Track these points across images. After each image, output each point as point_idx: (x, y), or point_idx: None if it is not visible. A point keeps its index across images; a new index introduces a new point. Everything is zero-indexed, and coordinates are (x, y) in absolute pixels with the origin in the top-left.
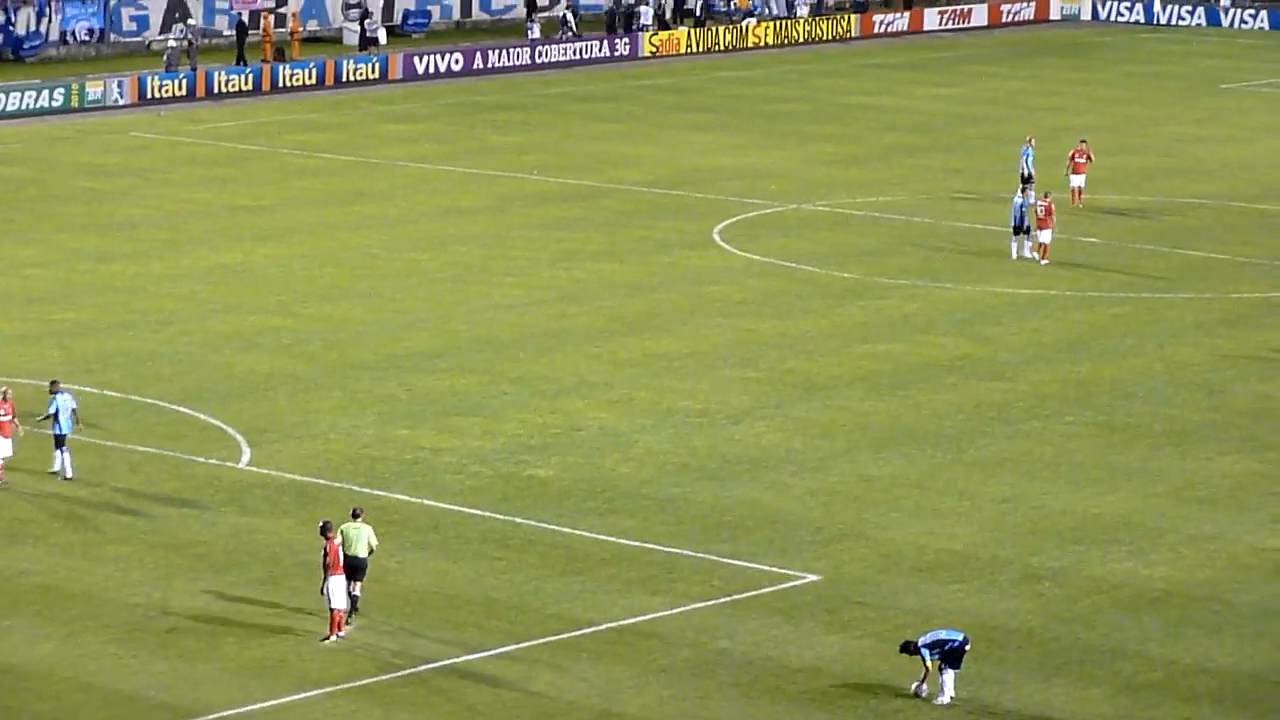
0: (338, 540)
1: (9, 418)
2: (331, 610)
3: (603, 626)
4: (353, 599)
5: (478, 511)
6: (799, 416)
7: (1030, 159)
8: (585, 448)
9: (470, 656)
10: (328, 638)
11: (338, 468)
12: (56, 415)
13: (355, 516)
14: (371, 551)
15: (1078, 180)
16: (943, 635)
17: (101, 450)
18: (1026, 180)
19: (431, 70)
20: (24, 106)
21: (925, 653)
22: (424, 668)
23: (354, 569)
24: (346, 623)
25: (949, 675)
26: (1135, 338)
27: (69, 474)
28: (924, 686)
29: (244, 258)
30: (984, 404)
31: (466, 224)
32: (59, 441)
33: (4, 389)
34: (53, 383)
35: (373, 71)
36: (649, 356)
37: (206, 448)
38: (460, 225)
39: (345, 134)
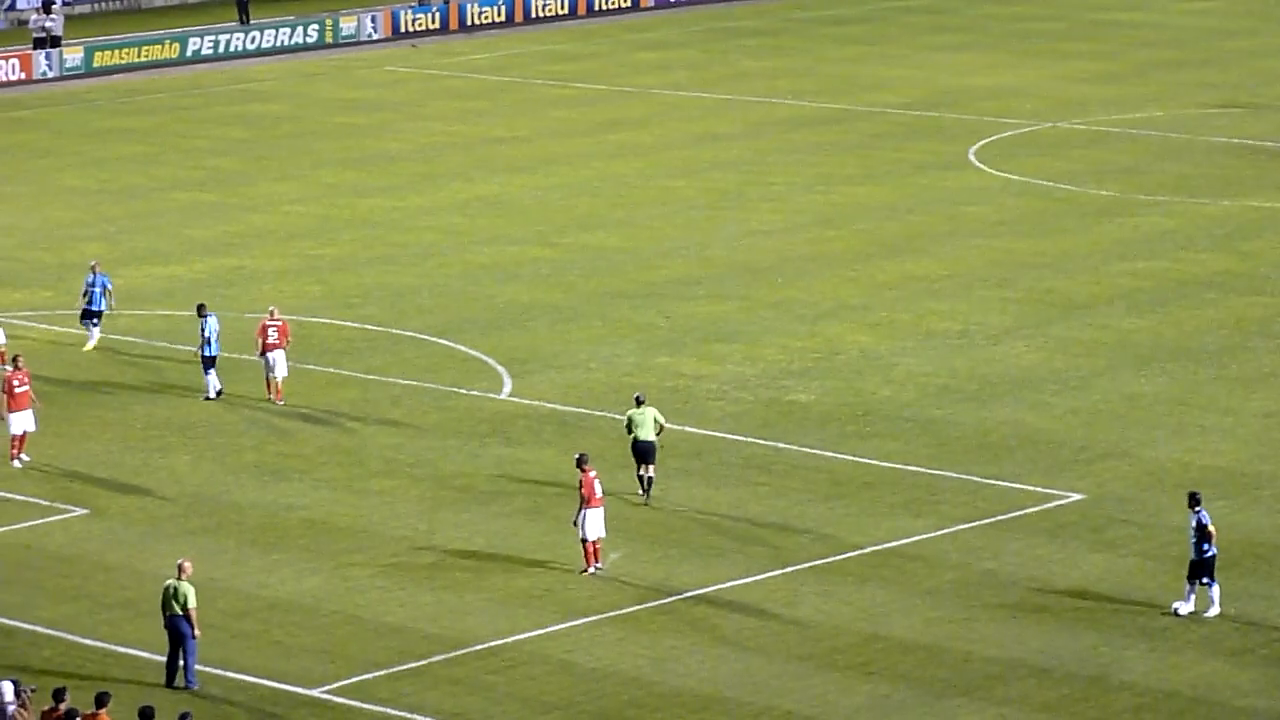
0: (593, 473)
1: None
2: (585, 542)
3: (867, 550)
4: (647, 480)
5: (739, 437)
6: (1059, 336)
7: None
8: (845, 371)
9: (734, 583)
10: (585, 570)
11: (599, 397)
12: (208, 339)
13: (639, 403)
14: (661, 430)
15: None
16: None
17: (363, 384)
18: None
19: None
20: (279, 43)
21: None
22: (688, 595)
23: (644, 452)
24: (644, 499)
25: (1215, 590)
26: None
27: (211, 393)
28: (1182, 605)
29: (500, 189)
30: (1245, 319)
31: (721, 150)
32: (209, 364)
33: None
34: (200, 306)
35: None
36: (907, 279)
37: (468, 379)
38: (715, 151)
39: (598, 63)
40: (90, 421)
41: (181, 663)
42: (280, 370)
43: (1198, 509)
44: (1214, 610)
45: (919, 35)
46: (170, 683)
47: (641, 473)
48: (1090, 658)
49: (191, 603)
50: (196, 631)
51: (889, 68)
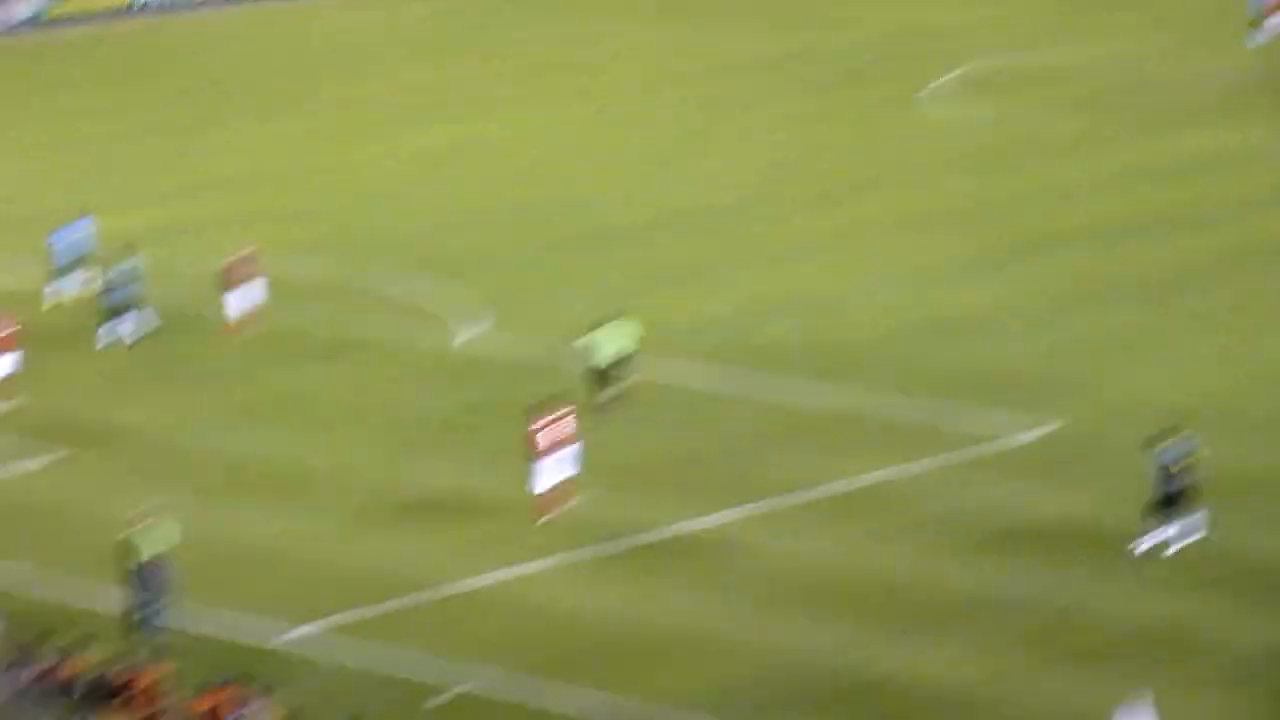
0: (543, 423)
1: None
2: (538, 492)
3: (832, 488)
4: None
5: (704, 379)
6: (1022, 273)
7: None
8: (806, 311)
9: (700, 523)
10: (541, 518)
11: (563, 342)
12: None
13: (603, 326)
14: (623, 354)
15: None
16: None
17: (327, 331)
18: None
19: None
20: None
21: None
22: (658, 535)
23: (606, 374)
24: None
25: (1183, 524)
26: None
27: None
28: (1143, 541)
29: (456, 136)
30: (1212, 253)
31: (679, 91)
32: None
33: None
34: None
35: None
36: (866, 218)
37: (426, 326)
38: (672, 93)
39: (549, 10)
40: (52, 370)
41: (148, 609)
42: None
43: (1162, 446)
44: (1182, 544)
45: None
46: (133, 628)
47: (609, 393)
48: (1057, 593)
49: (163, 547)
50: (167, 576)
51: (845, 7)
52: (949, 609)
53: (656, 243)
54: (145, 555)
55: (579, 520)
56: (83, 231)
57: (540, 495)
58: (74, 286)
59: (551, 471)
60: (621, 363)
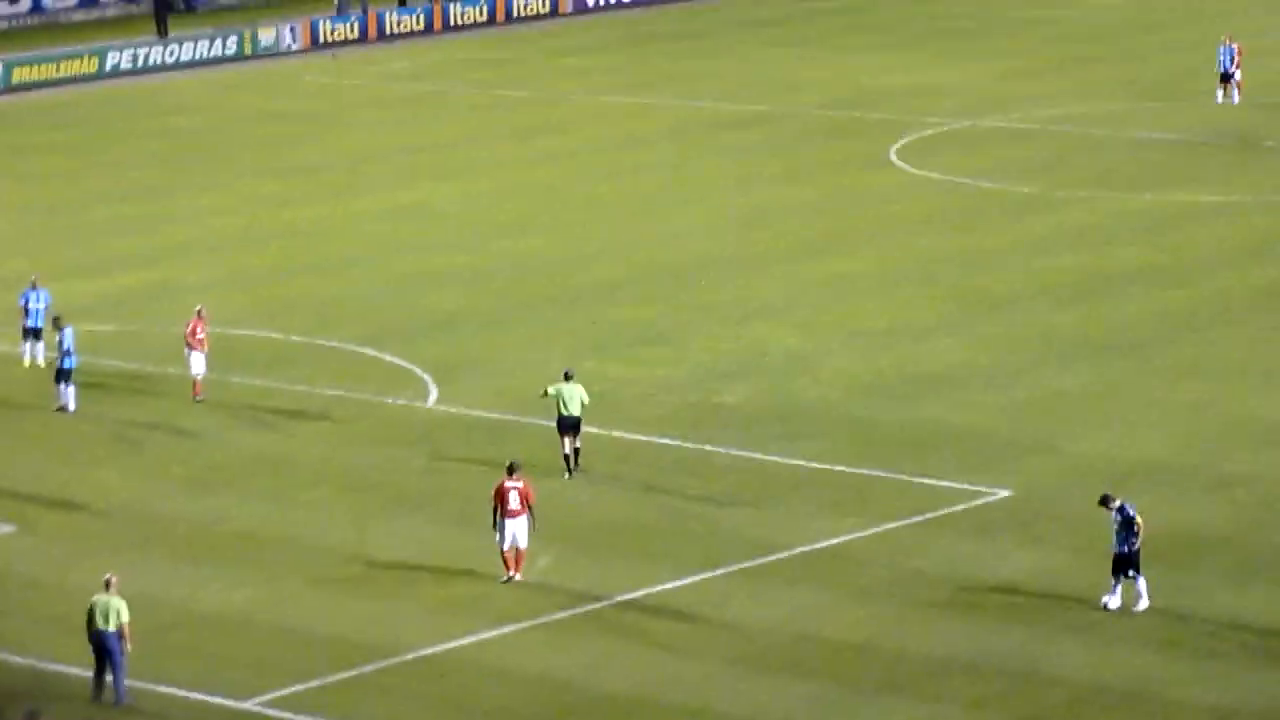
0: (515, 483)
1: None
2: (503, 551)
3: (796, 550)
4: (575, 453)
5: (667, 440)
6: (984, 332)
7: (1229, 57)
8: (772, 372)
9: (664, 586)
10: (505, 578)
11: (526, 403)
12: (66, 351)
13: (568, 378)
14: (584, 407)
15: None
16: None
17: (291, 395)
18: (1225, 79)
19: (601, 3)
20: (198, 56)
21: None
22: (618, 599)
23: (570, 426)
24: (569, 475)
25: (1142, 583)
26: None
27: (71, 407)
28: (1110, 599)
29: (425, 197)
30: (1169, 312)
31: (645, 153)
32: (66, 376)
33: (199, 307)
34: (56, 319)
35: (543, 6)
36: (832, 278)
37: (395, 388)
38: (638, 155)
39: (518, 69)
40: (15, 436)
41: (110, 678)
42: (200, 369)
43: (1117, 503)
44: (1143, 604)
45: (838, 35)
46: (97, 697)
47: (566, 449)
48: (1022, 653)
49: (124, 616)
50: (128, 646)
51: (809, 68)
52: (916, 668)
53: (624, 301)
54: (104, 625)
55: (546, 583)
56: (44, 302)
57: (507, 554)
58: (43, 350)
59: (519, 531)
60: (577, 419)
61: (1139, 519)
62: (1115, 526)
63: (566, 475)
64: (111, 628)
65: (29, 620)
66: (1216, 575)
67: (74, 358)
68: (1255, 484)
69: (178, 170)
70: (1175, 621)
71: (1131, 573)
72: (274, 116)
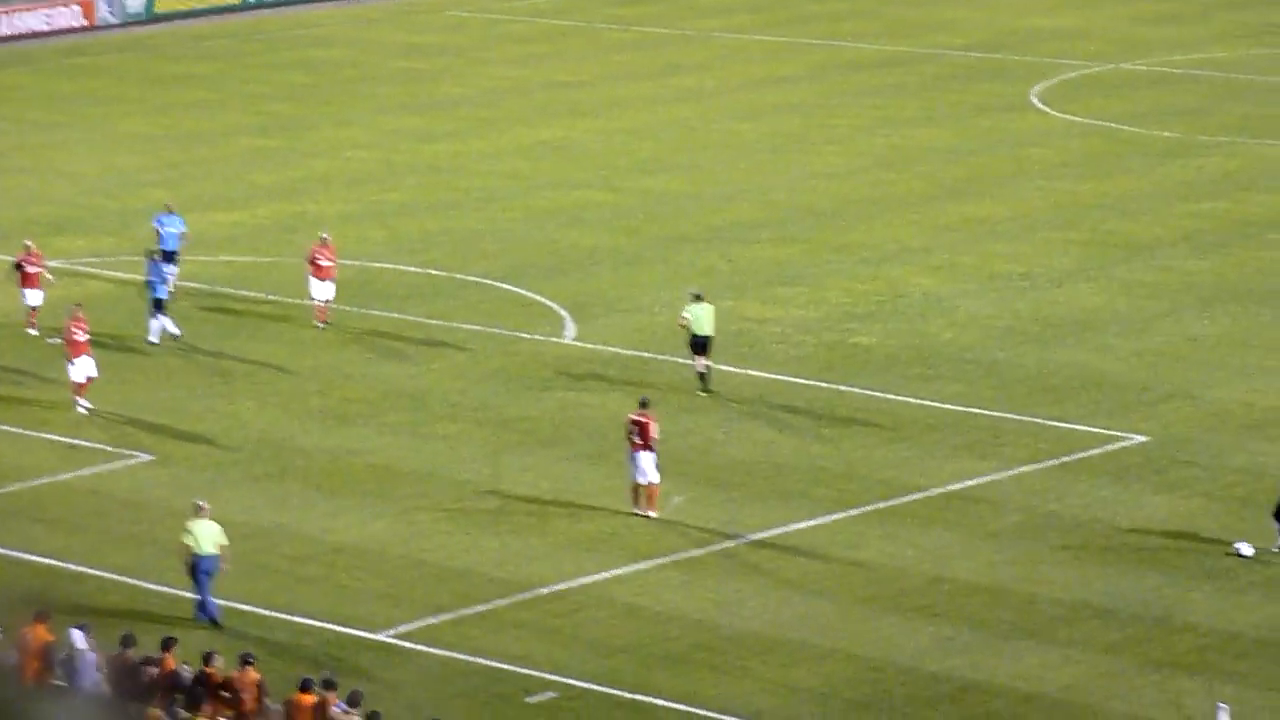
0: (642, 418)
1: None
2: (636, 486)
3: (930, 493)
4: (707, 369)
5: (803, 380)
6: (1122, 277)
7: None
8: (908, 314)
9: (798, 526)
10: (636, 512)
11: (662, 341)
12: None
13: (698, 299)
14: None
15: None
16: None
17: (427, 329)
18: None
19: None
20: None
21: None
22: (752, 538)
23: (703, 345)
24: (704, 390)
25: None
26: None
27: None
28: (1243, 546)
29: (563, 134)
30: None
31: (784, 93)
32: (159, 306)
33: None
34: (150, 251)
35: None
36: (970, 221)
37: (531, 324)
38: (778, 94)
39: (660, 7)
40: (154, 368)
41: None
42: (322, 295)
43: None
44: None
45: None
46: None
47: (699, 367)
48: (1154, 599)
49: (223, 539)
50: (225, 567)
51: (950, 9)
52: (1049, 612)
53: (761, 241)
54: (202, 550)
55: (679, 521)
56: (178, 227)
57: (641, 487)
58: (174, 274)
59: (650, 467)
60: (711, 339)
61: None
62: None
63: (702, 393)
64: (212, 551)
65: (166, 549)
66: None
67: (164, 288)
68: None
69: (318, 103)
70: None
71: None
72: (415, 50)
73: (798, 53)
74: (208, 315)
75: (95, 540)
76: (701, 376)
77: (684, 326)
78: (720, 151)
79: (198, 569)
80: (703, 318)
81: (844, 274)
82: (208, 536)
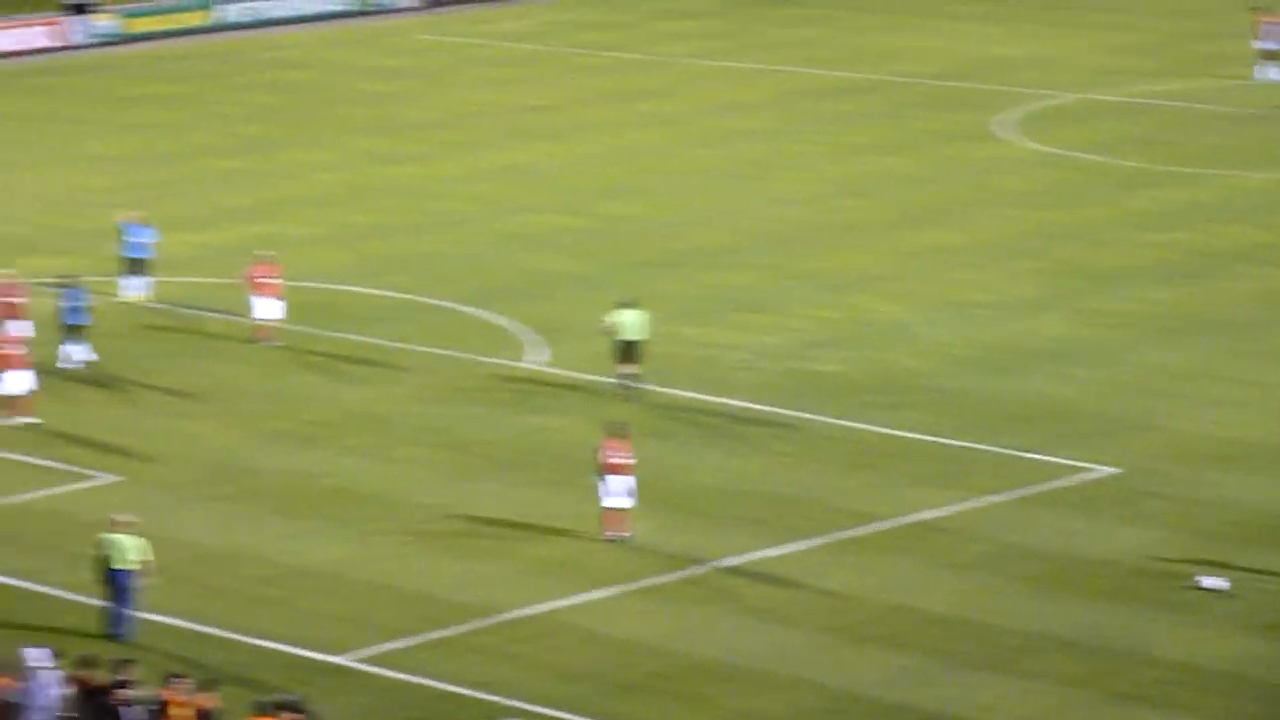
0: (616, 442)
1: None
2: (604, 510)
3: (894, 522)
4: (633, 375)
5: (765, 407)
6: (1086, 307)
7: None
8: (872, 341)
9: (760, 554)
10: (612, 538)
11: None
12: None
13: (627, 306)
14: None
15: None
16: None
17: (390, 352)
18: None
19: None
20: (311, 11)
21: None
22: (714, 566)
23: (629, 350)
24: (626, 393)
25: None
26: None
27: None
28: (1205, 578)
29: (529, 158)
30: (1274, 292)
31: (748, 119)
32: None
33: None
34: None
35: None
36: (933, 249)
37: (494, 348)
38: (742, 121)
39: (626, 33)
40: (117, 387)
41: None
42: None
43: None
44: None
45: (943, 5)
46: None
47: (622, 371)
48: (1118, 631)
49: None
50: (140, 583)
51: (915, 38)
52: (1013, 643)
53: (724, 267)
54: (119, 563)
55: (640, 547)
56: (149, 237)
57: (607, 511)
58: (136, 288)
59: (618, 492)
60: (639, 345)
61: None
62: None
63: (625, 397)
64: (127, 566)
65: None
66: None
67: (82, 314)
68: None
69: (286, 125)
70: (1273, 603)
71: None
72: (384, 73)
73: (762, 79)
74: (170, 335)
75: (57, 560)
76: (625, 380)
77: (608, 333)
78: (684, 177)
79: (117, 582)
80: (631, 323)
81: (806, 300)
82: (131, 549)
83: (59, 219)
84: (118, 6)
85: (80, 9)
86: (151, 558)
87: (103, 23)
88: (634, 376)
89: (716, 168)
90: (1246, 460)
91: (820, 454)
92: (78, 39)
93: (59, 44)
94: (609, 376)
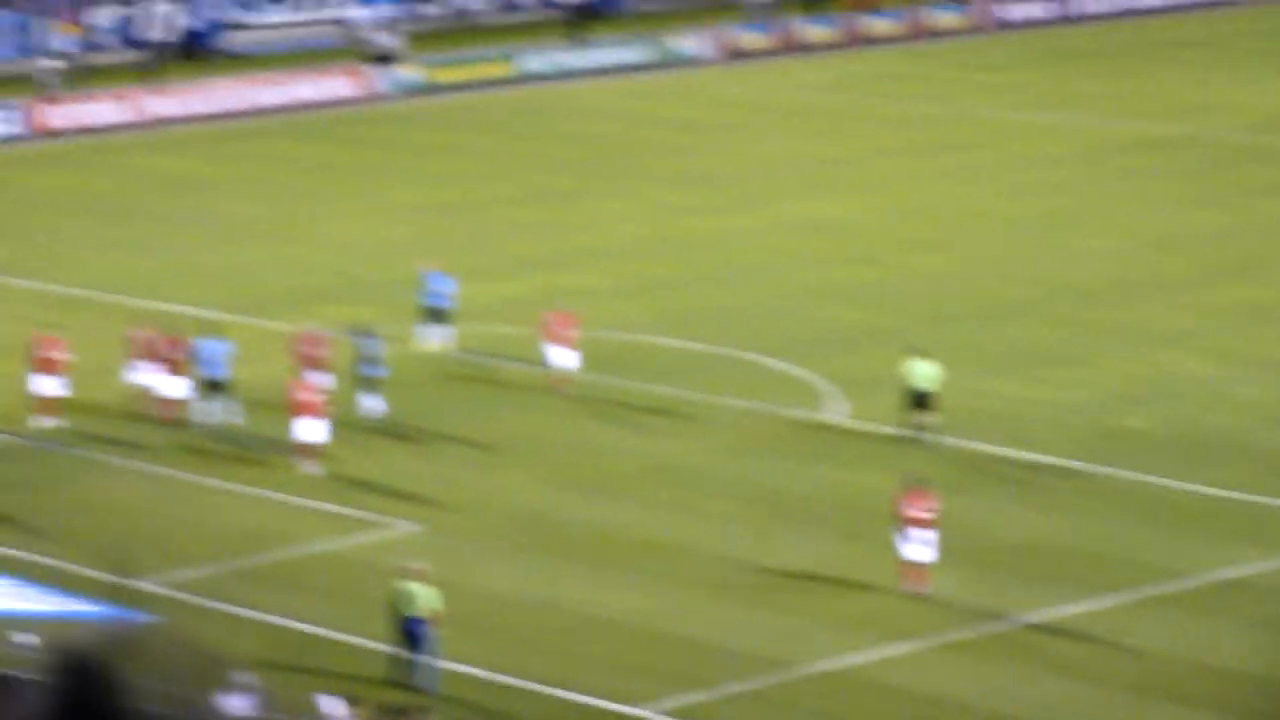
0: (916, 494)
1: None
2: (903, 563)
3: (1203, 580)
4: (924, 424)
5: (1070, 462)
6: None
7: None
8: (1181, 398)
9: (1065, 610)
10: (911, 592)
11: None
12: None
13: (919, 355)
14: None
15: None
16: None
17: (692, 404)
18: None
19: (1020, 18)
20: (610, 63)
21: None
22: (1018, 621)
23: (921, 400)
24: (917, 438)
25: None
26: None
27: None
28: None
29: (830, 210)
30: None
31: (1053, 172)
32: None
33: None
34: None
35: (960, 21)
36: (1245, 304)
37: (797, 400)
38: (1048, 173)
39: (931, 84)
40: (415, 437)
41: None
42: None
43: None
44: None
45: (1262, 58)
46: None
47: (915, 421)
48: None
49: (436, 604)
50: (434, 632)
51: (1228, 90)
52: None
53: (1030, 321)
54: (408, 610)
55: (941, 602)
56: (449, 287)
57: (906, 564)
58: (436, 338)
59: (918, 545)
60: (933, 395)
61: None
62: None
63: (915, 441)
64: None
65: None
66: None
67: (380, 367)
68: None
69: (586, 176)
70: None
71: None
72: (684, 125)
73: (1068, 133)
74: (468, 385)
75: (358, 608)
76: (920, 430)
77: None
78: (988, 230)
79: (409, 630)
80: (923, 373)
81: (1113, 355)
82: (421, 597)
83: (360, 268)
84: (423, 57)
85: (384, 59)
86: (440, 607)
87: (407, 73)
88: (929, 427)
89: (1021, 221)
90: None
91: (1124, 510)
92: (381, 89)
93: (362, 94)
94: (905, 429)
